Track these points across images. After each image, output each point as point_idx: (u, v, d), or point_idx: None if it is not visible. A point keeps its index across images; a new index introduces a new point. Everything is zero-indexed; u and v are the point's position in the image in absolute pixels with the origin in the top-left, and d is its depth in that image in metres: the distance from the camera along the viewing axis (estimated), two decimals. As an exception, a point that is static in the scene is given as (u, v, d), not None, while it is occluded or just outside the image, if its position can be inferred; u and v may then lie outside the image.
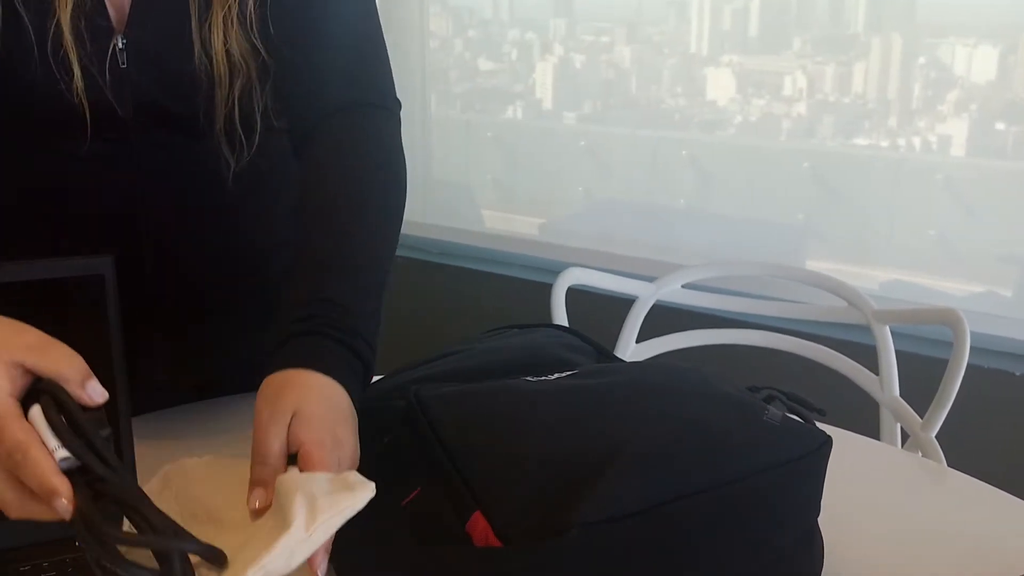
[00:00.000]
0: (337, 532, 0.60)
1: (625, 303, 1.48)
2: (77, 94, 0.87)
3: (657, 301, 1.46)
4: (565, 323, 1.44)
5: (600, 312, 1.55)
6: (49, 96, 0.87)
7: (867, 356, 1.41)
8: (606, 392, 0.75)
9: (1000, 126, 1.81)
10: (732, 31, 2.03)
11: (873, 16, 1.89)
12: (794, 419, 0.73)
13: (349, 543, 0.73)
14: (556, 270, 2.15)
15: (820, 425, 0.76)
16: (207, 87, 0.90)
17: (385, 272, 0.84)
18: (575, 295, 1.50)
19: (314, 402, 0.69)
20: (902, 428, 1.37)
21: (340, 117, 0.92)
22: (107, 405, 0.65)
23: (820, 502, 0.74)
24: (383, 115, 0.96)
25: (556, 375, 0.80)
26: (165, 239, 0.98)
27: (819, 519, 0.74)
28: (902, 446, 1.39)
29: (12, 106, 0.90)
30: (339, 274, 0.79)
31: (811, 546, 0.74)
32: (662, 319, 1.49)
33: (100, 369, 0.78)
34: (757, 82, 2.03)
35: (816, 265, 1.98)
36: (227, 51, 0.88)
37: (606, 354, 0.93)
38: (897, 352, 1.38)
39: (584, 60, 2.26)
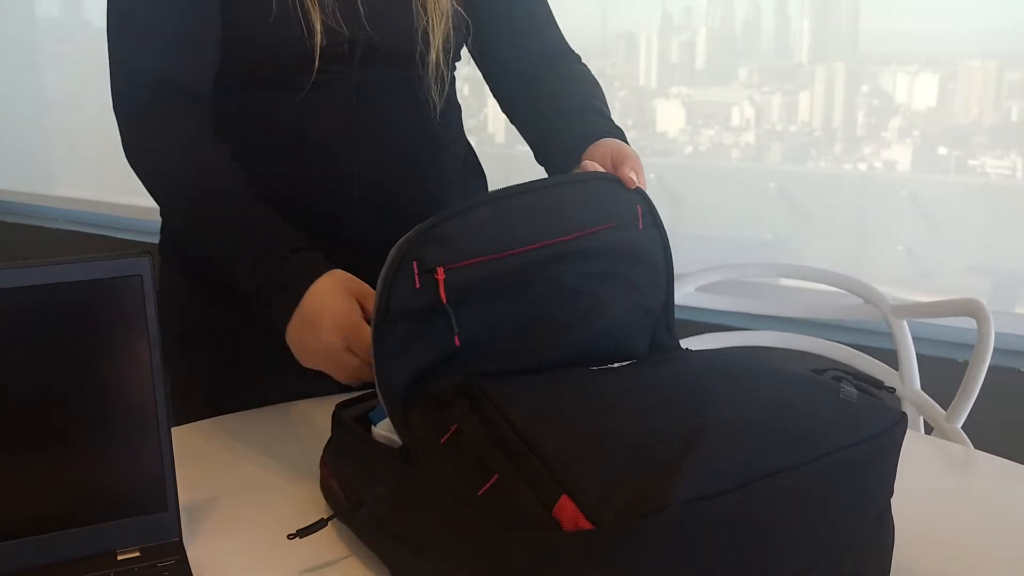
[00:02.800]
0: (405, 535, 0.59)
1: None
2: (316, 37, 0.99)
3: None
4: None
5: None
6: (285, 43, 0.99)
7: (881, 355, 1.41)
8: (677, 376, 0.74)
9: (943, 151, 1.86)
10: (680, 63, 2.08)
11: (817, 46, 1.94)
12: (867, 397, 0.73)
13: (423, 549, 0.71)
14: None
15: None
16: (423, 30, 1.05)
17: None
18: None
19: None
20: (925, 422, 1.37)
21: (551, 63, 1.14)
22: (144, 409, 0.78)
23: (893, 481, 0.73)
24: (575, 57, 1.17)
25: (617, 364, 0.79)
26: (373, 170, 1.08)
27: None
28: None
29: (247, 53, 1.02)
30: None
31: (885, 524, 0.73)
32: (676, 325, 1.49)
33: (138, 376, 0.77)
34: (706, 113, 2.08)
35: (791, 283, 1.99)
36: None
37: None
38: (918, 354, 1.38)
39: None
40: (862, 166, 1.93)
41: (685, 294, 1.47)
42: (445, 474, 0.70)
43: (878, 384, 0.76)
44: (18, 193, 3.26)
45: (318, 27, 0.99)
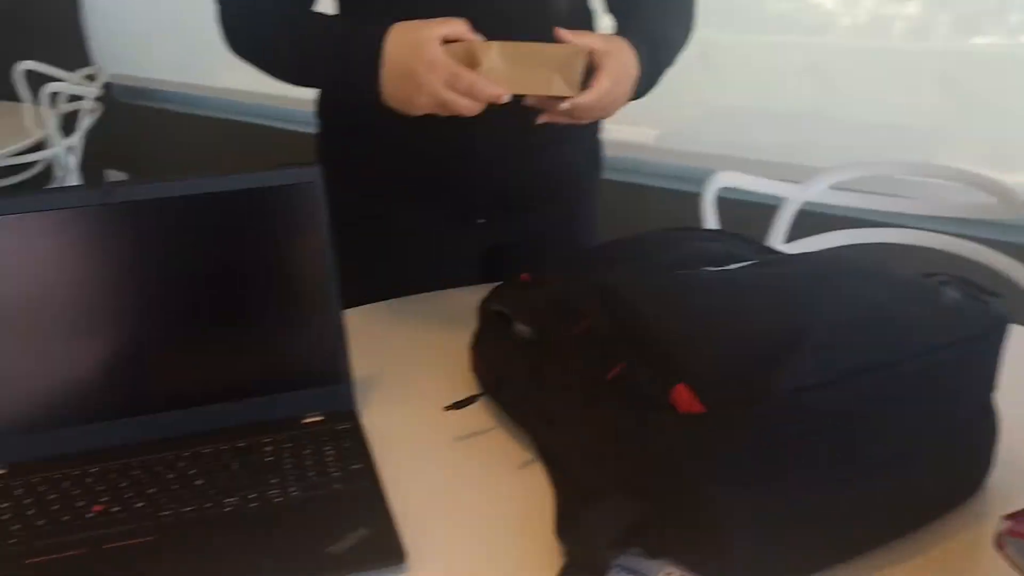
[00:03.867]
0: (543, 412, 0.69)
1: (765, 210, 1.52)
2: None
3: (803, 204, 1.49)
4: (716, 227, 1.49)
5: (743, 217, 1.59)
6: None
7: (1018, 256, 1.41)
8: (789, 277, 0.81)
9: None
10: None
11: None
12: (970, 300, 0.78)
13: (558, 425, 0.82)
14: (688, 176, 2.17)
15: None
16: None
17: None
18: (718, 199, 1.53)
19: (624, 52, 1.01)
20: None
21: None
22: (321, 295, 0.91)
23: (996, 379, 0.78)
24: None
25: (735, 265, 0.86)
26: None
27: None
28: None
29: None
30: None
31: (986, 420, 0.79)
32: (807, 223, 1.52)
33: (314, 267, 0.90)
34: None
35: (928, 180, 1.94)
36: None
37: (772, 250, 0.98)
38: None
39: None
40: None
41: (819, 191, 1.50)
42: (576, 361, 0.80)
43: (985, 290, 0.81)
44: (182, 84, 3.46)
45: None
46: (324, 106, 1.25)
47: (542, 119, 1.00)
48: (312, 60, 1.05)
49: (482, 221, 1.22)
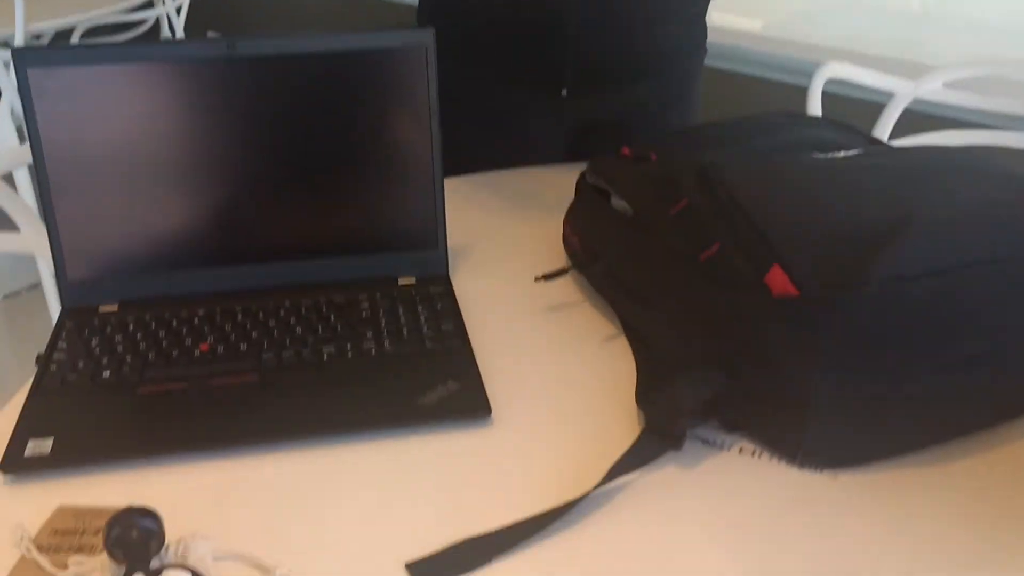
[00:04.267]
0: (634, 289, 0.70)
1: (872, 107, 1.47)
2: None
3: (913, 103, 1.44)
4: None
5: (850, 116, 1.54)
6: None
7: None
8: (894, 167, 0.79)
9: None
10: None
11: None
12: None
13: (649, 301, 0.82)
14: (797, 69, 2.10)
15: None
16: None
17: None
18: (825, 92, 1.49)
19: None
20: None
21: None
22: (423, 159, 0.91)
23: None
24: None
25: (842, 153, 0.85)
26: None
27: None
28: None
29: None
30: None
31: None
32: (917, 123, 1.47)
33: (419, 132, 0.91)
34: None
35: None
36: None
37: (877, 142, 0.96)
38: None
39: None
40: None
41: (932, 89, 1.44)
42: (672, 240, 0.80)
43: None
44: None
45: None
46: None
47: None
48: None
49: (565, 94, 1.21)
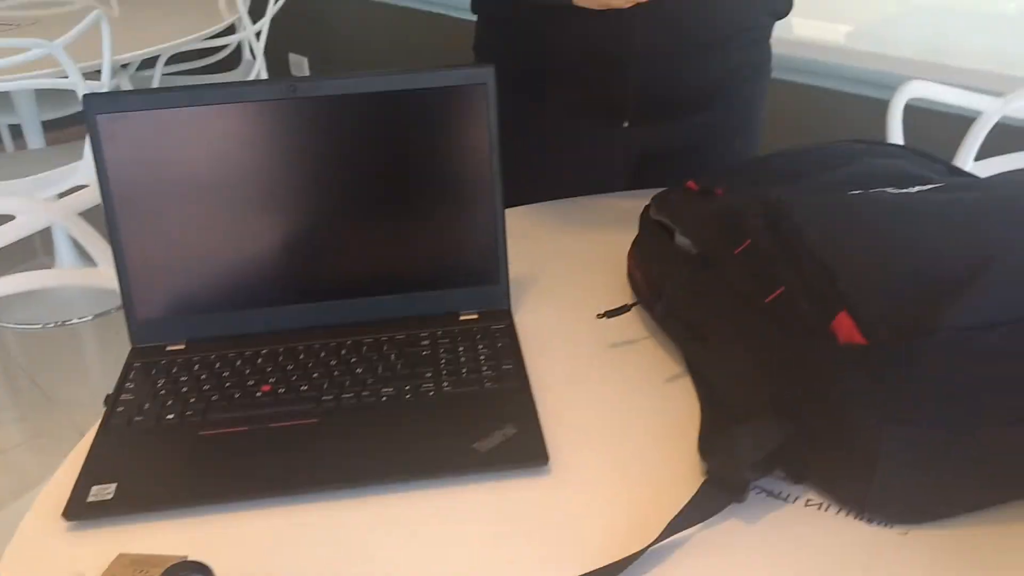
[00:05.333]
0: (697, 327, 0.68)
1: (961, 121, 1.41)
2: None
3: (1002, 119, 1.38)
4: (901, 139, 1.40)
5: (936, 128, 1.48)
6: None
7: None
8: (976, 204, 0.75)
9: None
10: None
11: None
12: None
13: (711, 341, 0.80)
14: (878, 82, 2.04)
15: None
16: None
17: None
18: (907, 107, 1.44)
19: None
20: None
21: None
22: (484, 194, 0.91)
23: None
24: None
25: (917, 188, 0.81)
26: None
27: None
28: None
29: None
30: None
31: None
32: (1006, 139, 1.41)
33: (480, 166, 0.90)
34: None
35: None
36: None
37: (961, 172, 0.91)
38: None
39: None
40: None
41: (1020, 107, 1.38)
42: (736, 280, 0.78)
43: None
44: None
45: None
46: (480, 2, 1.23)
47: None
48: None
49: (627, 125, 1.19)
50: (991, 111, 1.36)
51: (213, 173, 0.88)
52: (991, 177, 0.86)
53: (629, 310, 0.91)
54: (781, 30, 2.35)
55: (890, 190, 0.80)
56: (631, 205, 0.98)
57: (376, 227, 0.91)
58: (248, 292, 0.91)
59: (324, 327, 0.92)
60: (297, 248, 0.91)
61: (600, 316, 0.91)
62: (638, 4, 0.99)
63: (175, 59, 3.12)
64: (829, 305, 0.69)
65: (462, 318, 0.93)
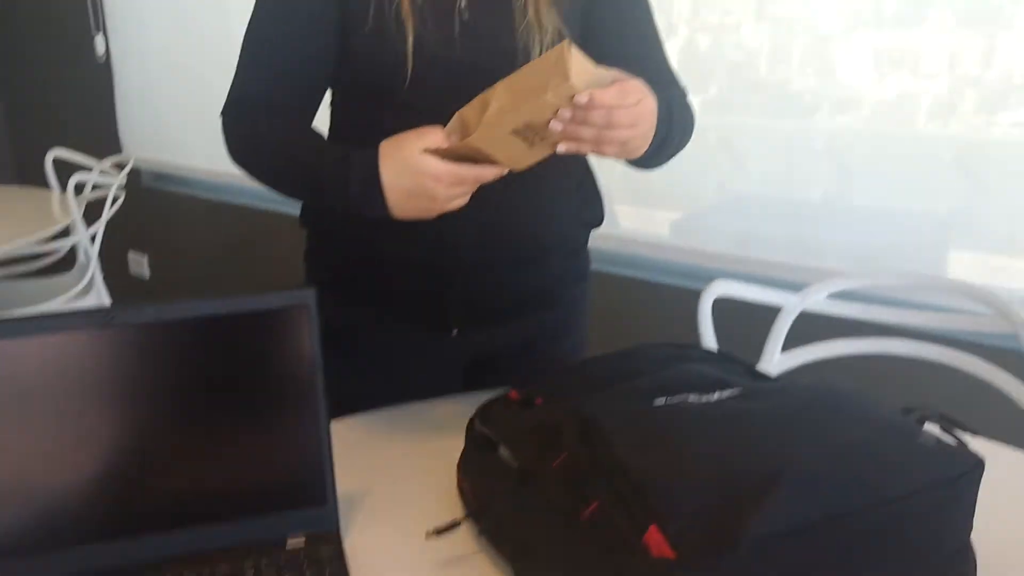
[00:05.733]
0: (522, 543, 0.69)
1: (768, 310, 1.52)
2: (408, 51, 1.06)
3: (803, 310, 1.50)
4: (712, 332, 1.49)
5: (745, 318, 1.59)
6: (384, 53, 1.07)
7: (1020, 364, 1.41)
8: (770, 414, 0.81)
9: None
10: (865, 5, 1.97)
11: None
12: (947, 441, 0.78)
13: (536, 557, 0.81)
14: (694, 274, 2.18)
15: (975, 439, 0.80)
16: (524, 47, 1.08)
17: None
18: (716, 300, 1.54)
19: (642, 84, 0.97)
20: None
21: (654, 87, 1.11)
22: (309, 414, 0.91)
23: (972, 520, 0.78)
24: (678, 84, 1.20)
25: (718, 394, 0.86)
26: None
27: (973, 534, 0.78)
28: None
29: (345, 64, 1.11)
30: None
31: (965, 562, 0.79)
32: (808, 327, 1.52)
33: (303, 386, 0.91)
34: (894, 59, 1.96)
35: (964, 257, 1.93)
36: (539, 19, 1.09)
37: (760, 375, 0.98)
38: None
39: (710, 41, 2.25)
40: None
41: (816, 300, 1.50)
42: (554, 495, 0.80)
43: (962, 427, 0.81)
44: (208, 171, 3.53)
45: (410, 41, 1.05)
46: (306, 214, 1.27)
47: (565, 148, 0.95)
48: (312, 189, 1.08)
49: (455, 333, 1.23)
50: (790, 306, 1.48)
51: (24, 406, 0.85)
52: (787, 384, 0.93)
53: (459, 526, 0.91)
54: (607, 225, 2.49)
55: (692, 397, 0.85)
56: (465, 410, 1.00)
57: (199, 453, 0.90)
58: (64, 532, 0.87)
59: (150, 563, 0.88)
60: (115, 481, 0.88)
61: (429, 536, 0.91)
62: (460, 214, 1.03)
63: (7, 261, 3.03)
64: (640, 519, 0.72)
65: (290, 544, 0.91)
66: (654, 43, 1.21)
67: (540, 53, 1.09)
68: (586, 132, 0.93)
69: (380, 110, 1.07)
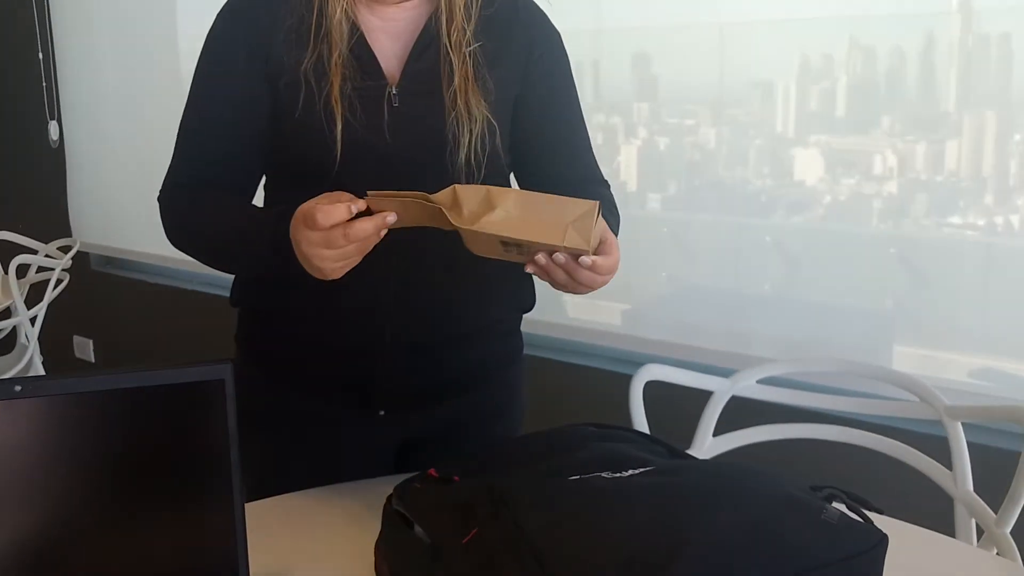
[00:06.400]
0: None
1: (704, 394, 1.54)
2: (338, 138, 1.07)
3: (734, 395, 1.51)
4: (643, 415, 1.50)
5: (679, 401, 1.60)
6: (313, 139, 1.08)
7: (944, 449, 1.43)
8: (679, 489, 0.81)
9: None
10: (819, 111, 2.05)
11: (965, 93, 1.87)
12: (853, 517, 0.78)
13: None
14: (638, 361, 2.21)
15: (892, 520, 0.81)
16: (453, 133, 1.10)
17: None
18: (655, 385, 1.56)
19: None
20: (977, 523, 1.38)
21: (581, 186, 1.18)
22: (222, 492, 0.89)
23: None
24: (604, 184, 1.24)
25: (631, 471, 0.87)
26: (405, 261, 1.12)
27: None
28: (978, 542, 1.39)
29: (274, 149, 1.13)
30: None
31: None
32: (739, 411, 1.54)
33: (217, 463, 0.90)
34: (847, 162, 2.03)
35: (904, 351, 1.97)
36: (468, 109, 1.11)
37: (679, 453, 0.99)
38: (975, 444, 1.39)
39: (668, 142, 2.30)
40: (1014, 219, 1.81)
41: (746, 386, 1.52)
42: (463, 571, 0.79)
43: (869, 505, 0.82)
44: (155, 256, 3.53)
45: (339, 128, 1.07)
46: (235, 294, 1.27)
47: (533, 271, 0.97)
48: (241, 253, 1.09)
49: (383, 414, 1.22)
50: (721, 391, 1.50)
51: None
52: (701, 462, 0.94)
53: (372, 607, 0.89)
54: (551, 314, 2.53)
55: (605, 474, 0.85)
56: (388, 491, 0.99)
57: (108, 532, 0.87)
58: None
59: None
60: (23, 560, 0.85)
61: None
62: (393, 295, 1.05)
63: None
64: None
65: (199, 627, 0.89)
66: (583, 140, 1.24)
67: (469, 143, 1.11)
68: (563, 277, 0.97)
69: (311, 193, 1.08)
